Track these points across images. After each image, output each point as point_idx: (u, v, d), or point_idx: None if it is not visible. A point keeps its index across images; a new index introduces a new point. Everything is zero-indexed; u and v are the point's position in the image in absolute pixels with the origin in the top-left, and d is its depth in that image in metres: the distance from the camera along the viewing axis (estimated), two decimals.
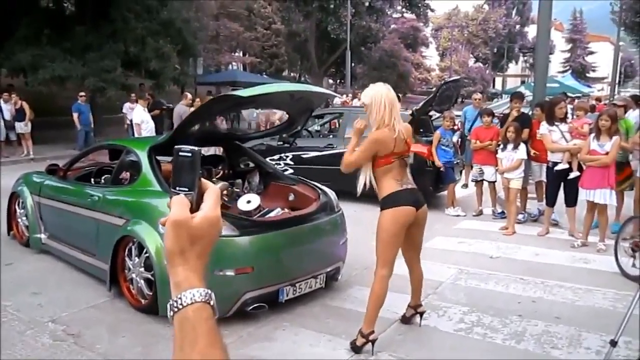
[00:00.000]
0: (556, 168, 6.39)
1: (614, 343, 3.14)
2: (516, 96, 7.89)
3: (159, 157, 4.66)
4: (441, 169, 7.64)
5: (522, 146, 6.79)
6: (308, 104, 4.95)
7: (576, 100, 12.01)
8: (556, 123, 6.46)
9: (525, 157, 6.82)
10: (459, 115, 9.88)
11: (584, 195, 5.99)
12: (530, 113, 8.27)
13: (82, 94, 13.87)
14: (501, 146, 7.00)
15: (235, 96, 4.05)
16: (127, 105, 14.31)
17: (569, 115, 7.06)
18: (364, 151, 3.47)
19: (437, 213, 7.40)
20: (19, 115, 13.27)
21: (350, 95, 21.38)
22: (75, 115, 13.42)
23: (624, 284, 4.78)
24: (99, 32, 15.56)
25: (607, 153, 5.75)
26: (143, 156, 4.55)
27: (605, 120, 5.80)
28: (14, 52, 14.49)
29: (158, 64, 16.34)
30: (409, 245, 3.71)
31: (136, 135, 10.45)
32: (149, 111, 12.70)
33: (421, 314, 3.94)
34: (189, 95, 13.32)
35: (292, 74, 45.19)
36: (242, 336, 3.78)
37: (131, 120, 12.41)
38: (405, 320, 3.97)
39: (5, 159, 12.65)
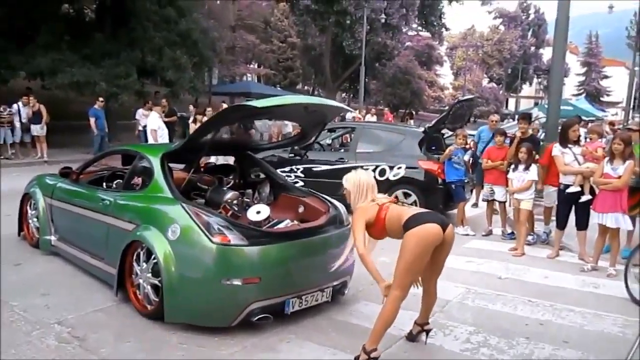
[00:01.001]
0: (568, 190, 6.35)
1: None
2: (522, 117, 7.91)
3: (171, 165, 4.69)
4: (452, 187, 7.63)
5: (534, 167, 6.76)
6: (321, 117, 4.98)
7: (589, 124, 11.96)
8: (569, 145, 6.45)
9: (537, 178, 6.79)
10: (473, 135, 9.77)
11: (596, 218, 5.94)
12: (542, 136, 8.24)
13: (101, 99, 13.99)
14: (512, 166, 6.98)
15: (250, 106, 4.07)
16: (140, 111, 14.38)
17: (582, 139, 7.03)
18: (355, 225, 3.50)
19: None
20: (36, 117, 13.42)
21: (364, 111, 21.45)
22: (92, 120, 13.53)
23: (634, 311, 4.71)
24: (117, 40, 15.76)
25: (619, 177, 5.72)
26: (156, 162, 4.58)
27: (618, 144, 5.77)
28: (34, 57, 14.64)
29: (174, 75, 16.49)
30: (431, 268, 3.61)
31: (152, 141, 10.54)
32: (167, 117, 12.85)
33: (427, 331, 3.91)
34: (224, 105, 13.49)
35: (305, 87, 45.46)
36: (247, 347, 3.77)
37: (144, 127, 12.55)
38: (411, 337, 3.94)
39: (19, 160, 12.80)
